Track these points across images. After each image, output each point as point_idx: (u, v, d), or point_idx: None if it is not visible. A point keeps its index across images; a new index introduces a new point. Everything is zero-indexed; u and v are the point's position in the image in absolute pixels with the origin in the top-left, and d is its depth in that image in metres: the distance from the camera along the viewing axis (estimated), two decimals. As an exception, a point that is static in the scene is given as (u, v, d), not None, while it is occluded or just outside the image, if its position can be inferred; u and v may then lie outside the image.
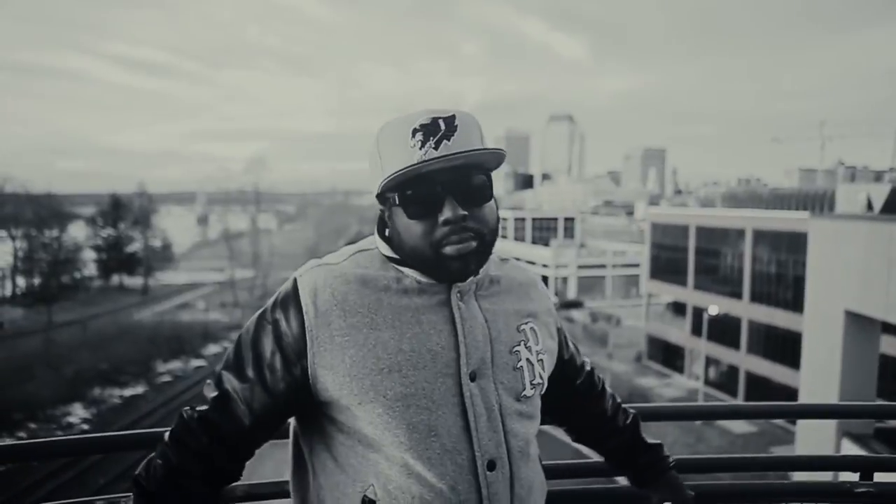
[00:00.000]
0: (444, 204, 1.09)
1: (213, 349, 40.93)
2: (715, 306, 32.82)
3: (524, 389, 1.19)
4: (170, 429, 1.18)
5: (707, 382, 32.74)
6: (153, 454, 1.16)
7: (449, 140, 1.09)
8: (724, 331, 32.85)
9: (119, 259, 58.20)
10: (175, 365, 37.24)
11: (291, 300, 1.14)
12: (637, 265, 64.14)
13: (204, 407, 1.15)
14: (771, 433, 26.51)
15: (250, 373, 1.13)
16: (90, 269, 57.36)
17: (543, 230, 72.84)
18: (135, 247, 59.73)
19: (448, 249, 1.10)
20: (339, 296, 1.12)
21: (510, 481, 1.14)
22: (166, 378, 34.27)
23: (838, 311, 13.76)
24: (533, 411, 1.23)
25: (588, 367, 1.49)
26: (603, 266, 64.69)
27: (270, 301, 1.17)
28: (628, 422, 1.51)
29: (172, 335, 41.28)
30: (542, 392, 1.26)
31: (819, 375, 14.61)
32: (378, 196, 1.17)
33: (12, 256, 50.16)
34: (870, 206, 28.10)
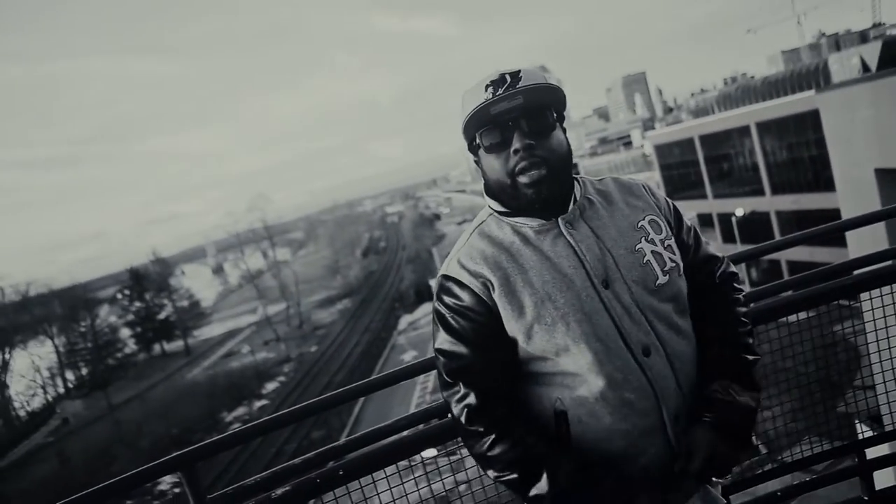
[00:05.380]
0: (513, 137, 1.30)
1: (270, 386, 41.60)
2: (740, 208, 32.76)
3: (657, 279, 1.33)
4: (479, 444, 1.33)
5: (752, 283, 32.81)
6: (489, 451, 1.30)
7: (514, 87, 1.30)
8: (754, 230, 32.82)
9: (154, 328, 58.92)
10: (240, 411, 38.08)
11: (455, 286, 1.34)
12: (650, 192, 63.47)
13: (466, 397, 1.33)
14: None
15: (466, 348, 1.33)
16: (130, 346, 58.32)
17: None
18: (165, 312, 60.52)
19: (522, 178, 1.30)
20: (482, 265, 1.33)
21: (668, 359, 1.30)
22: (236, 425, 34.96)
23: (868, 173, 13.83)
24: (673, 292, 1.36)
25: (719, 265, 1.51)
26: (617, 202, 64.40)
27: (437, 307, 1.37)
28: (733, 353, 1.40)
29: (229, 384, 41.93)
30: (681, 273, 1.39)
31: (866, 241, 14.71)
32: (470, 148, 1.39)
33: (55, 353, 51.08)
34: (865, 68, 27.84)
